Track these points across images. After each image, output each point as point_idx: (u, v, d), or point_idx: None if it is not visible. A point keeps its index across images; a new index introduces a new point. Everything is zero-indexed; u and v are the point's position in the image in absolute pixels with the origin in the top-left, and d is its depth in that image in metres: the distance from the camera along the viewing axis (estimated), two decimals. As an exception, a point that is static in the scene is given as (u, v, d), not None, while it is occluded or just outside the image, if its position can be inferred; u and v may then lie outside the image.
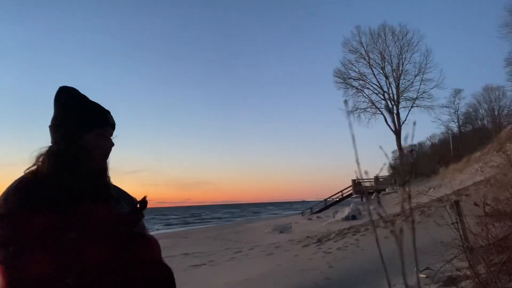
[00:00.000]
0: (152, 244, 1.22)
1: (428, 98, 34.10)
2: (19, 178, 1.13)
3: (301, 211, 33.87)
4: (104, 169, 1.26)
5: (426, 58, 34.20)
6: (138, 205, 1.28)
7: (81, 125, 1.20)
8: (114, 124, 1.30)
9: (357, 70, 36.47)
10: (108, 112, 1.29)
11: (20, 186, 1.09)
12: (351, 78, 36.56)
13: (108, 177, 1.28)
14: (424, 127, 39.12)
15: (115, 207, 1.19)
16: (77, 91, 1.28)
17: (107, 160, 1.29)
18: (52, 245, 1.01)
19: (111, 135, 1.29)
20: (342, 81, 36.64)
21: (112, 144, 1.28)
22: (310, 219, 25.49)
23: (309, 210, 31.60)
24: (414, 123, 0.67)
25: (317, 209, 30.82)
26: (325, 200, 32.62)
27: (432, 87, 33.99)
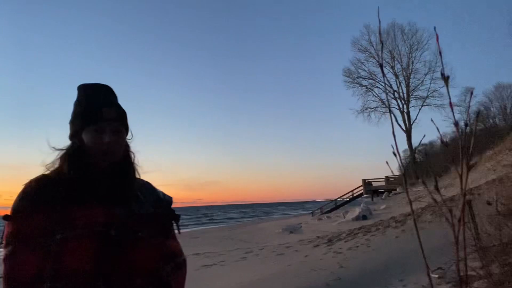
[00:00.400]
0: (148, 252, 1.14)
1: (438, 97, 33.77)
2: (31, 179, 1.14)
3: (311, 211, 33.75)
4: (109, 167, 1.17)
5: (436, 56, 33.88)
6: (155, 210, 1.24)
7: (78, 123, 1.17)
8: (113, 119, 1.18)
9: (366, 69, 36.37)
10: (104, 107, 1.18)
11: (26, 188, 1.10)
12: (360, 77, 36.54)
13: (127, 175, 1.22)
14: (434, 126, 38.73)
15: (116, 209, 1.12)
16: (87, 88, 1.22)
17: (129, 158, 1.25)
18: (39, 247, 1.00)
19: (115, 131, 1.18)
20: (351, 80, 36.63)
21: (110, 141, 1.15)
22: (320, 219, 25.35)
23: (319, 210, 31.51)
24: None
25: (327, 209, 30.68)
26: (336, 200, 32.46)
27: (442, 85, 33.53)
